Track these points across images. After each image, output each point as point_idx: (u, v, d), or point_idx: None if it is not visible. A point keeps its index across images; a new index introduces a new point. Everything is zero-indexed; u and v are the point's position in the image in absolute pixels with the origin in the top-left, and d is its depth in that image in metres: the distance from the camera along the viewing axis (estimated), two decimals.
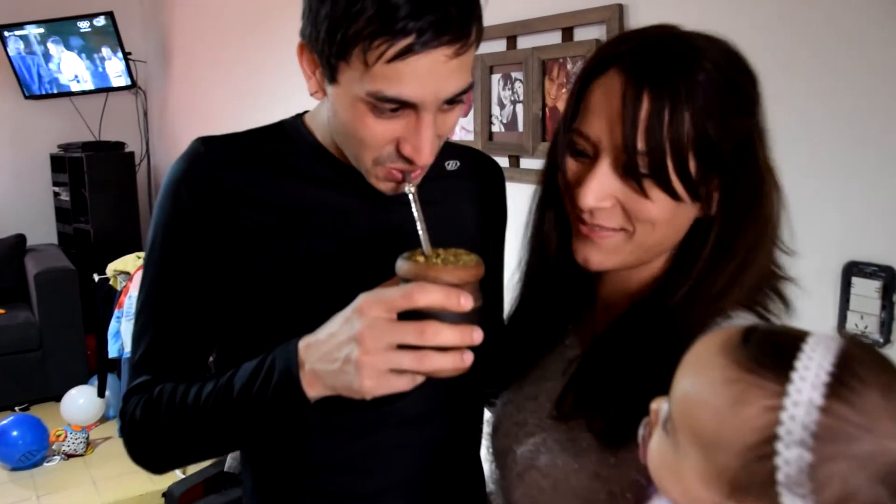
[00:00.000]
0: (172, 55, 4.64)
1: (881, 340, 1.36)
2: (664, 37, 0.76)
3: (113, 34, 4.44)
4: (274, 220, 0.89)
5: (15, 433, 3.32)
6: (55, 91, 4.61)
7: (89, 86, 4.62)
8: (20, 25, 4.42)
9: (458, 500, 1.02)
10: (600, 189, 0.76)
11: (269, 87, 3.42)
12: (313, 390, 0.77)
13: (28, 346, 3.99)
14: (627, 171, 0.74)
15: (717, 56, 0.74)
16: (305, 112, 0.97)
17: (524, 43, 2.04)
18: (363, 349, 0.72)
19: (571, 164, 0.80)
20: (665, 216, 0.76)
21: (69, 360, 4.06)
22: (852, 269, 1.37)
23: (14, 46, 4.49)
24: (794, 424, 0.52)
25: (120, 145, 4.69)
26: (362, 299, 0.74)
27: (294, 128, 0.94)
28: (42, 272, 4.05)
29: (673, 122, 0.71)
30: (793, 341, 0.56)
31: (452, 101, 0.80)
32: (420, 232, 0.77)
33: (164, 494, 2.87)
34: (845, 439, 0.51)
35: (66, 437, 3.47)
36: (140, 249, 3.93)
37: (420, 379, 0.74)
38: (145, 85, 4.93)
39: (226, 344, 0.95)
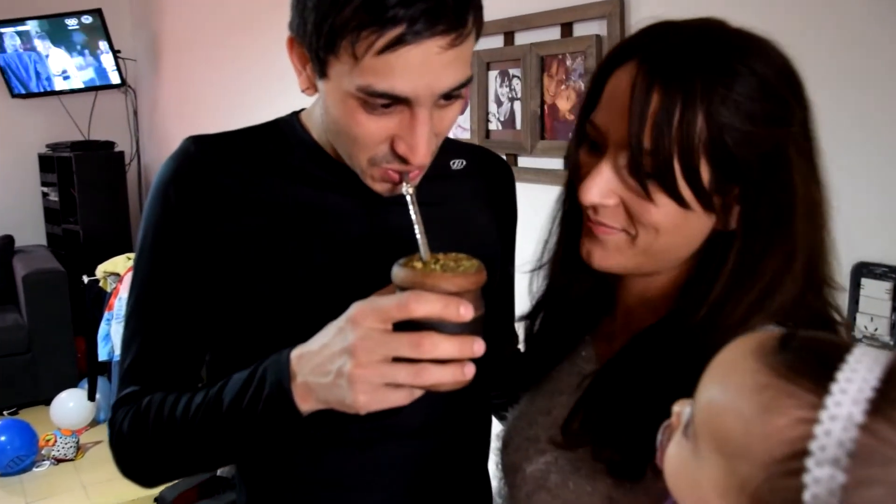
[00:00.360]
0: (163, 53, 4.60)
1: (891, 343, 1.34)
2: (699, 31, 0.70)
3: (102, 32, 4.40)
4: (267, 222, 0.86)
5: (3, 438, 3.27)
6: (43, 90, 4.56)
7: (78, 84, 4.57)
8: (6, 23, 4.36)
9: None
10: (602, 185, 0.72)
11: (262, 84, 3.38)
12: (306, 404, 0.73)
13: (16, 349, 3.94)
14: (632, 169, 0.70)
15: (754, 57, 0.68)
16: (302, 110, 0.93)
17: (522, 39, 2.02)
18: (356, 362, 0.68)
19: (584, 157, 0.76)
20: (670, 223, 0.71)
21: (59, 363, 4.02)
22: (862, 271, 1.35)
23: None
24: (829, 441, 0.48)
25: (110, 144, 4.65)
26: (355, 308, 0.70)
27: (289, 126, 0.91)
28: (31, 274, 4.01)
29: (683, 121, 0.66)
30: (836, 351, 0.51)
31: (449, 97, 0.75)
32: (418, 236, 0.72)
33: (156, 499, 2.83)
34: (885, 462, 0.47)
35: (55, 441, 3.44)
36: (130, 250, 3.88)
37: (418, 393, 0.70)
38: (135, 83, 4.88)
39: (218, 351, 0.92)
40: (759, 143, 0.68)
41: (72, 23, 4.38)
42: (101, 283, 3.63)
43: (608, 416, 0.75)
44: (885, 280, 1.32)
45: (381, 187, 0.81)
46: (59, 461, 3.43)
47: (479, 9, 0.75)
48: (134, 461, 0.87)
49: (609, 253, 0.76)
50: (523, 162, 2.06)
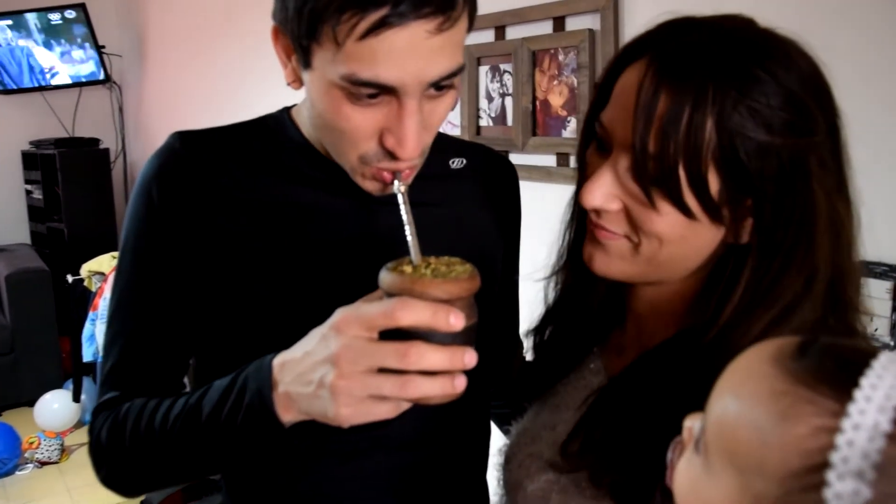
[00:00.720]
0: (148, 48, 4.54)
1: (892, 343, 1.31)
2: (717, 30, 0.65)
3: (86, 27, 4.34)
4: (254, 222, 0.82)
5: None
6: (26, 86, 4.48)
7: (61, 80, 4.50)
8: None
9: None
10: (605, 188, 0.68)
11: (251, 79, 3.34)
12: (288, 414, 0.69)
13: None
14: (635, 174, 0.66)
15: (775, 61, 0.63)
16: (293, 106, 0.89)
17: (513, 33, 1.98)
18: (339, 372, 0.64)
19: (591, 157, 0.73)
20: (674, 233, 0.67)
21: (43, 363, 3.97)
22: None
23: None
24: (853, 452, 0.44)
25: (94, 141, 4.59)
26: (339, 315, 0.66)
27: (279, 122, 0.87)
28: (14, 273, 3.96)
29: (691, 126, 0.62)
30: (861, 356, 0.48)
31: (440, 87, 0.71)
32: (409, 237, 0.68)
33: (142, 503, 2.78)
34: None
35: (39, 444, 3.39)
36: (115, 249, 3.80)
37: (405, 406, 0.66)
38: (120, 79, 4.81)
39: (204, 355, 0.88)
40: (775, 154, 0.63)
41: (54, 18, 4.32)
42: (85, 283, 3.59)
43: (610, 438, 0.71)
44: (885, 279, 1.30)
45: (371, 186, 0.77)
46: (42, 464, 3.38)
47: None
48: (113, 470, 0.83)
49: (611, 259, 0.72)
50: (515, 159, 2.01)
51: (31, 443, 3.39)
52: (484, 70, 2.08)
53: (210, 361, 0.87)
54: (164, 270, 0.82)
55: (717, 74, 0.62)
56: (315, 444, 0.82)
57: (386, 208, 0.82)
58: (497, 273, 0.96)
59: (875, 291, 1.31)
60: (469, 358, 0.63)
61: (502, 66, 2.02)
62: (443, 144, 0.82)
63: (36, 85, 4.48)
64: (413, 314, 0.62)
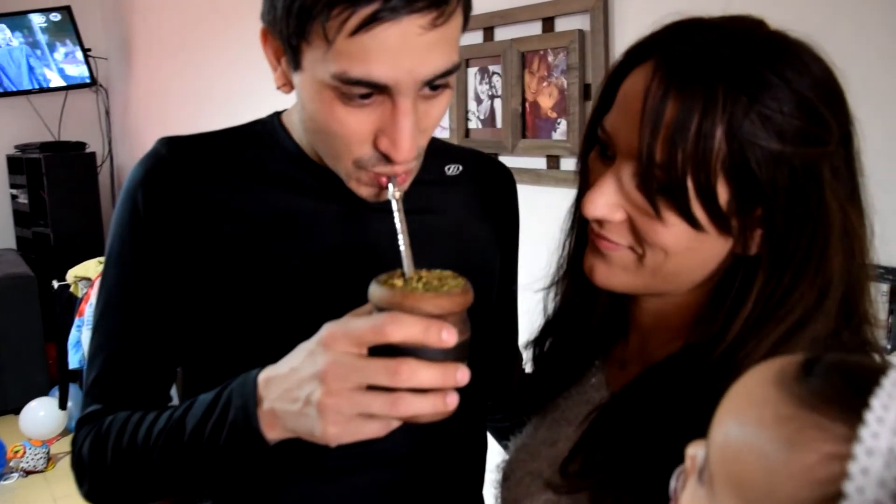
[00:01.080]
0: (134, 51, 4.50)
1: (888, 347, 1.29)
2: (729, 33, 0.62)
3: (71, 29, 4.30)
4: (244, 230, 0.80)
5: None
6: (10, 89, 4.42)
7: (47, 83, 4.45)
8: None
9: None
10: (608, 198, 0.65)
11: (238, 80, 3.31)
12: (273, 432, 0.67)
13: None
14: (641, 184, 0.63)
15: (788, 65, 0.60)
16: (284, 110, 0.87)
17: (502, 34, 1.96)
18: (326, 389, 0.61)
19: (594, 163, 0.70)
20: (680, 245, 0.64)
21: (28, 370, 3.93)
22: None
23: None
24: (868, 481, 0.40)
25: (81, 145, 4.54)
26: (326, 330, 0.63)
27: (269, 128, 0.85)
28: None
29: (700, 134, 0.59)
30: (869, 374, 0.44)
31: (435, 87, 0.68)
32: (402, 248, 0.66)
33: None
34: None
35: (24, 452, 3.35)
36: (102, 254, 3.77)
37: (395, 424, 0.63)
38: (107, 82, 4.77)
39: (192, 366, 0.86)
40: (787, 163, 0.60)
41: (39, 20, 4.28)
42: (71, 289, 3.56)
43: (611, 459, 0.68)
44: (881, 282, 1.27)
45: (366, 192, 0.75)
46: (28, 473, 3.34)
47: None
48: (95, 486, 0.81)
49: (613, 270, 0.69)
50: (504, 161, 1.98)
51: (17, 451, 3.34)
52: (472, 72, 2.05)
53: (198, 372, 0.85)
54: (149, 280, 0.80)
55: (728, 79, 0.59)
56: (302, 460, 0.80)
57: (379, 216, 0.80)
58: (494, 283, 0.94)
59: (872, 295, 1.29)
60: (462, 375, 0.61)
61: (491, 68, 2.00)
62: (438, 150, 0.80)
63: (20, 88, 4.42)
64: (404, 330, 0.59)
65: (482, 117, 2.06)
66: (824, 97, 0.62)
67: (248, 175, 0.82)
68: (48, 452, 3.42)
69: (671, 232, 0.63)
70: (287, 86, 0.73)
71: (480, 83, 2.04)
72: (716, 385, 0.55)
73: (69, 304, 3.53)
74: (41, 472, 3.36)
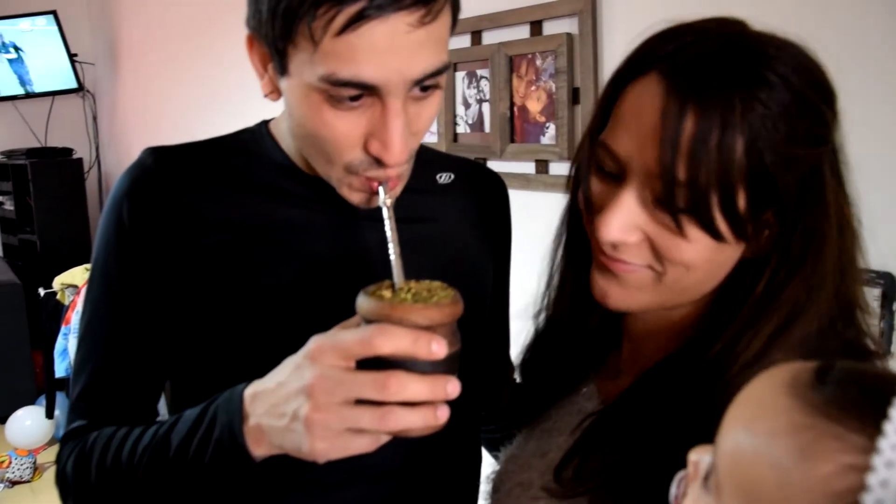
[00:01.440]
0: (122, 56, 4.48)
1: (880, 352, 1.28)
2: (724, 37, 0.62)
3: (57, 35, 4.27)
4: (231, 241, 0.78)
5: None
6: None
7: (33, 89, 4.42)
8: None
9: None
10: (625, 221, 0.63)
11: (225, 84, 3.29)
12: (259, 448, 0.65)
13: None
14: (661, 202, 0.62)
15: (788, 67, 0.60)
16: (272, 119, 0.85)
17: (490, 38, 1.95)
18: (313, 404, 0.60)
19: (595, 184, 0.67)
20: (703, 258, 0.63)
21: (15, 379, 3.86)
22: None
23: None
24: (888, 493, 0.39)
25: (67, 151, 4.51)
26: (314, 343, 0.62)
27: (256, 137, 0.83)
28: None
29: (722, 146, 0.58)
30: (885, 383, 0.43)
31: (425, 88, 0.67)
32: (392, 257, 0.64)
33: None
34: None
35: (10, 462, 3.30)
36: (89, 261, 3.72)
37: (384, 439, 0.62)
38: (94, 88, 4.75)
39: (179, 379, 0.85)
40: (797, 164, 0.61)
41: (24, 26, 4.25)
42: (58, 296, 3.53)
43: (609, 463, 0.66)
44: (873, 286, 1.26)
45: (358, 198, 0.73)
46: (14, 483, 3.29)
47: None
48: (79, 503, 0.79)
49: (629, 291, 0.67)
50: (492, 166, 1.98)
51: (2, 461, 3.30)
52: (460, 76, 2.04)
53: (187, 385, 0.84)
54: (134, 293, 0.79)
55: (741, 87, 0.59)
56: (292, 475, 0.78)
57: (369, 225, 0.79)
58: (487, 292, 0.92)
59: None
60: (452, 387, 0.60)
61: (479, 72, 1.99)
62: (429, 158, 0.79)
63: (6, 94, 4.39)
64: (392, 342, 0.58)
65: (470, 122, 2.04)
66: (822, 96, 0.62)
67: (236, 185, 0.80)
68: (34, 462, 3.37)
69: (693, 247, 0.62)
70: (275, 93, 0.72)
71: (468, 87, 2.03)
72: (713, 381, 0.54)
73: (56, 312, 3.49)
74: (27, 482, 3.31)
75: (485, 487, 0.86)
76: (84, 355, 0.82)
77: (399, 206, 0.71)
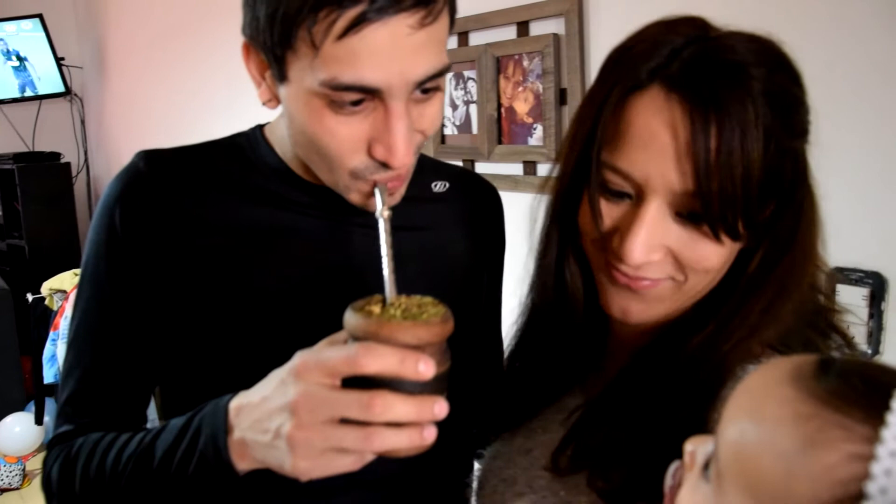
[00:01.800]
0: (110, 59, 4.45)
1: (869, 351, 1.28)
2: (707, 42, 0.62)
3: (44, 38, 4.23)
4: (224, 247, 0.78)
5: None
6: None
7: (20, 93, 4.38)
8: None
9: None
10: (650, 241, 0.63)
11: (216, 89, 3.27)
12: (243, 462, 0.64)
13: None
14: (688, 216, 0.62)
15: (770, 64, 0.61)
16: (267, 123, 0.84)
17: (477, 39, 1.94)
18: (297, 422, 0.59)
19: (605, 207, 0.66)
20: (724, 261, 0.65)
21: (3, 385, 3.84)
22: (837, 276, 1.28)
23: None
24: (891, 482, 0.40)
25: (55, 156, 4.47)
26: (299, 359, 0.61)
27: (251, 141, 0.83)
28: None
29: (745, 153, 0.59)
30: (886, 376, 0.44)
31: (427, 89, 0.67)
32: (385, 271, 0.63)
33: None
34: None
35: None
36: (78, 266, 3.72)
37: (369, 457, 0.61)
38: (81, 92, 4.71)
39: (169, 385, 0.84)
40: (794, 156, 0.63)
41: (10, 29, 4.22)
42: (46, 301, 3.51)
43: (604, 440, 0.67)
44: (861, 286, 1.26)
45: (357, 198, 0.73)
46: (2, 491, 3.26)
47: None
48: None
49: (650, 305, 0.68)
50: (481, 168, 1.98)
51: None
52: (447, 77, 2.03)
53: (176, 391, 0.84)
54: (125, 299, 0.79)
55: (749, 92, 0.59)
56: (284, 481, 0.77)
57: (363, 232, 0.78)
58: (480, 302, 0.92)
59: (851, 298, 1.28)
60: (439, 408, 0.59)
61: (466, 73, 1.98)
62: (424, 166, 0.78)
63: None
64: (379, 362, 0.57)
65: (458, 123, 2.03)
66: (802, 91, 0.64)
67: (229, 190, 0.80)
68: (24, 469, 3.34)
69: (717, 253, 0.64)
70: (273, 101, 0.71)
71: (455, 89, 2.02)
72: (708, 359, 0.58)
73: (44, 318, 3.47)
74: (16, 489, 3.28)
75: (472, 485, 0.87)
76: (72, 360, 0.81)
77: (393, 214, 0.70)
